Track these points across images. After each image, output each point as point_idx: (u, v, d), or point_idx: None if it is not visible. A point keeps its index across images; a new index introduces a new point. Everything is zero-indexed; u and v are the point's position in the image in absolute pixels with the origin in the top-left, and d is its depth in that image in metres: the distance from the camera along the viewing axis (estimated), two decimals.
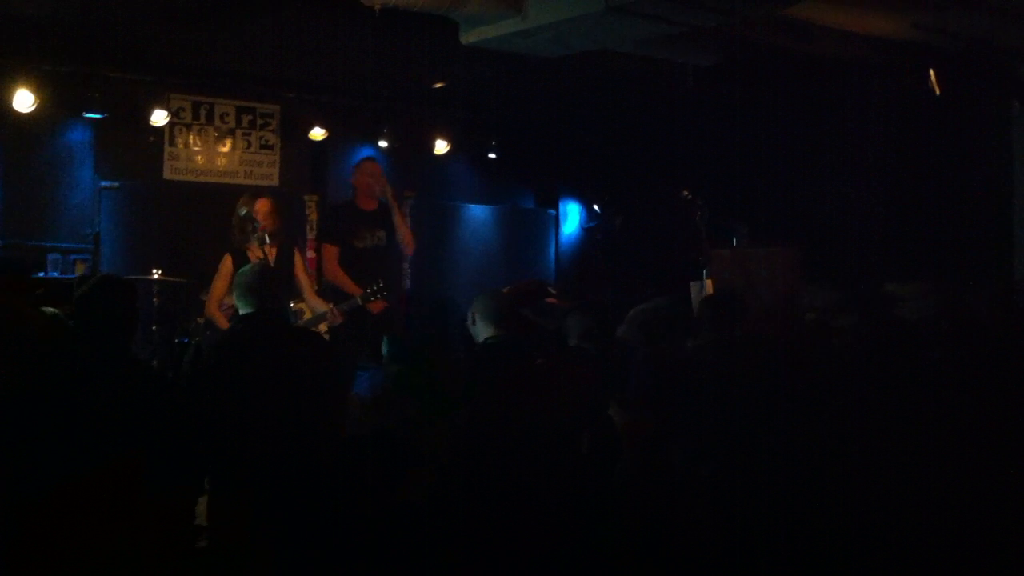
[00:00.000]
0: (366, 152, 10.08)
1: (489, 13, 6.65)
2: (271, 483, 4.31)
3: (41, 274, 8.01)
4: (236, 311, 6.69)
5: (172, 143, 8.92)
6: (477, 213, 10.74)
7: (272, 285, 4.84)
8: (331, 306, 6.92)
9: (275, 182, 9.42)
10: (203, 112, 9.06)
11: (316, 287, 8.49)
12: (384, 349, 5.21)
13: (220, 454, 4.49)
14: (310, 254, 9.64)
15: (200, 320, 7.68)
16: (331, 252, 7.33)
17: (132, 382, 3.81)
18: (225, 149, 9.20)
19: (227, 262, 6.72)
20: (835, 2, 6.60)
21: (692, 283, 7.77)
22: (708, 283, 7.56)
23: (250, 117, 9.31)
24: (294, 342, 4.86)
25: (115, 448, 3.48)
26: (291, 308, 7.05)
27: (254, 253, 6.72)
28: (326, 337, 7.34)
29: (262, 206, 6.71)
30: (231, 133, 9.23)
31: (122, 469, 3.42)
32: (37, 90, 7.74)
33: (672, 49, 7.19)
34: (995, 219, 8.26)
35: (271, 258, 6.67)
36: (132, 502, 3.44)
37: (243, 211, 6.75)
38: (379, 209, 7.37)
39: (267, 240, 6.61)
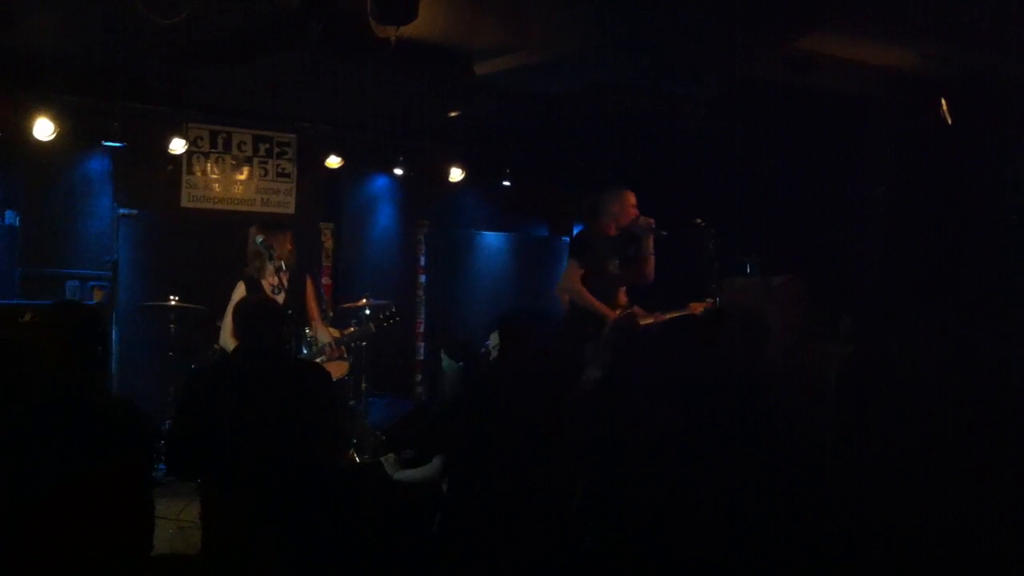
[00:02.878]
0: (381, 180, 10.19)
1: (500, 46, 6.74)
2: (258, 503, 4.43)
3: None
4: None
5: (190, 171, 9.03)
6: (491, 241, 10.82)
7: (264, 322, 4.83)
8: (332, 338, 7.04)
9: (291, 210, 9.51)
10: (221, 141, 9.17)
11: (332, 314, 8.60)
12: (444, 361, 5.39)
13: (208, 477, 4.62)
14: (326, 280, 9.74)
15: (216, 347, 7.75)
16: (575, 271, 7.32)
17: (88, 410, 3.79)
18: (242, 177, 9.30)
19: (240, 289, 6.85)
20: (840, 33, 6.65)
21: None
22: None
23: (267, 146, 9.41)
24: (284, 374, 4.83)
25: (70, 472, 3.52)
26: (306, 335, 7.15)
27: (268, 281, 6.84)
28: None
29: (283, 240, 6.86)
30: (248, 161, 9.33)
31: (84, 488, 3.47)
32: (57, 119, 7.85)
33: (679, 81, 7.26)
34: (1004, 250, 8.26)
35: (284, 285, 6.79)
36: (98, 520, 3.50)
37: (259, 239, 6.85)
38: (623, 237, 7.45)
39: (283, 267, 6.73)
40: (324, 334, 7.10)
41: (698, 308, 7.16)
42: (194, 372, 5.42)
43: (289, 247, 6.90)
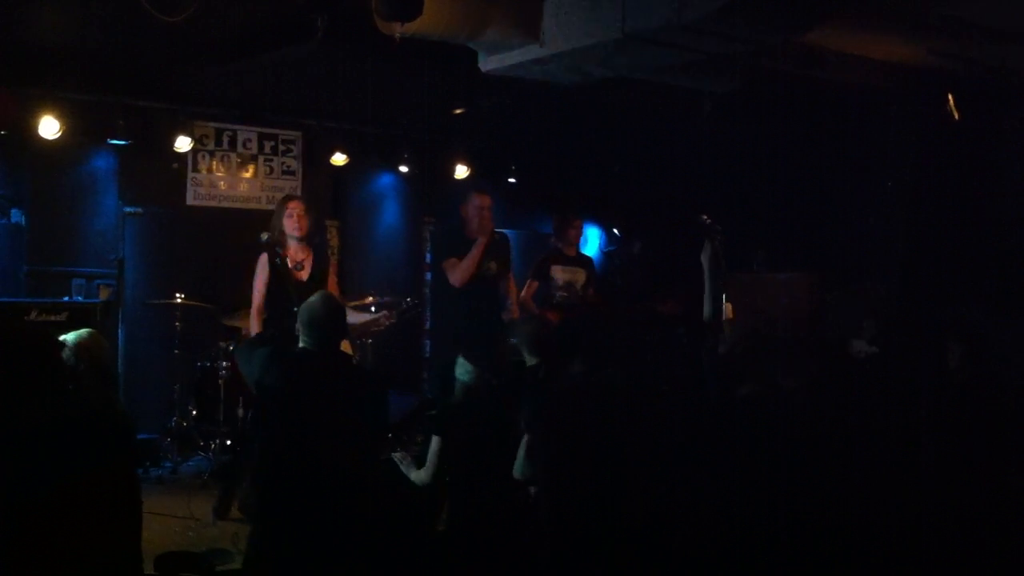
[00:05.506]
0: (386, 177, 10.18)
1: (507, 41, 6.71)
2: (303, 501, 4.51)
3: (65, 298, 8.10)
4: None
5: (195, 169, 9.00)
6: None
7: (335, 320, 4.94)
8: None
9: None
10: (226, 138, 9.15)
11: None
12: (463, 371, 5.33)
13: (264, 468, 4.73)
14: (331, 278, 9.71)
15: (223, 344, 7.75)
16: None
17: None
18: (247, 175, 9.28)
19: (263, 261, 6.71)
20: (850, 28, 6.62)
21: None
22: (727, 307, 7.58)
23: (272, 143, 9.39)
24: (343, 380, 4.98)
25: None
26: None
27: (291, 256, 6.72)
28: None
29: (296, 207, 6.76)
30: (253, 159, 9.31)
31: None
32: (62, 117, 7.82)
33: (689, 76, 7.23)
34: (1017, 245, 8.23)
35: (308, 262, 6.73)
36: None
37: (278, 210, 6.83)
38: (491, 241, 7.41)
39: (303, 239, 6.69)
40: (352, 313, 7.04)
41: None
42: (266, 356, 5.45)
43: (297, 219, 6.73)
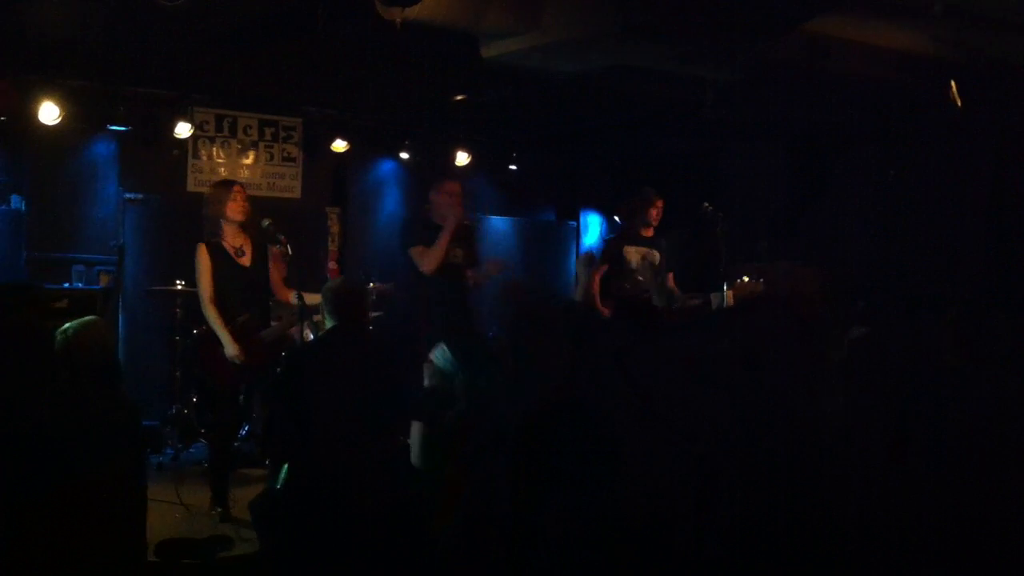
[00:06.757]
0: (387, 165, 10.17)
1: (507, 28, 6.69)
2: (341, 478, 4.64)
3: (66, 285, 8.10)
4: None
5: (196, 155, 9.00)
6: (498, 225, 10.77)
7: (358, 299, 5.18)
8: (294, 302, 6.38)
9: (297, 194, 9.49)
10: (226, 125, 9.15)
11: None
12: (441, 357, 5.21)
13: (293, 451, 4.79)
14: (332, 265, 9.70)
15: (204, 328, 7.71)
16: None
17: None
18: (248, 161, 9.28)
19: (202, 253, 6.34)
20: (852, 16, 6.60)
21: (712, 295, 7.80)
22: (728, 295, 7.57)
23: (273, 130, 9.39)
24: (372, 356, 5.14)
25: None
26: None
27: (229, 243, 6.39)
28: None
29: (240, 191, 6.47)
30: (254, 146, 9.31)
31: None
32: (63, 104, 7.83)
33: (691, 65, 7.19)
34: (1018, 237, 8.23)
35: (248, 248, 6.42)
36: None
37: (208, 197, 6.54)
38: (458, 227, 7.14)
39: (240, 224, 6.40)
40: (284, 296, 6.64)
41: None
42: (292, 352, 5.51)
43: (242, 203, 6.43)
